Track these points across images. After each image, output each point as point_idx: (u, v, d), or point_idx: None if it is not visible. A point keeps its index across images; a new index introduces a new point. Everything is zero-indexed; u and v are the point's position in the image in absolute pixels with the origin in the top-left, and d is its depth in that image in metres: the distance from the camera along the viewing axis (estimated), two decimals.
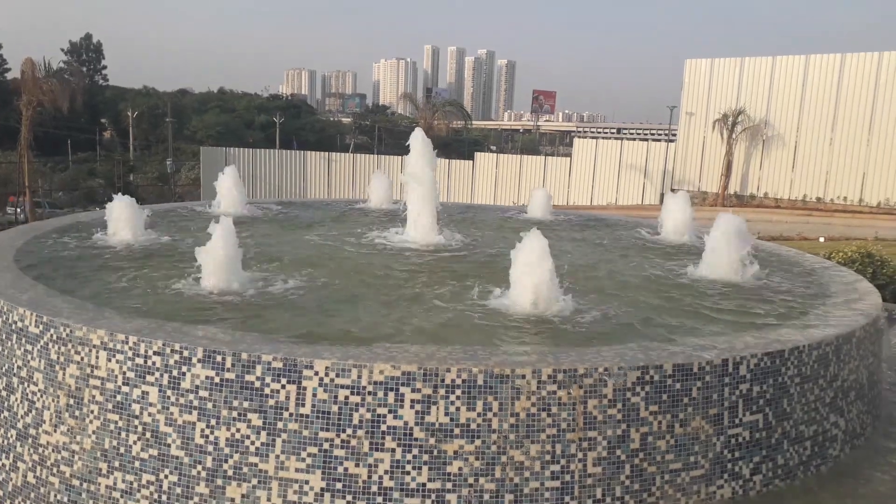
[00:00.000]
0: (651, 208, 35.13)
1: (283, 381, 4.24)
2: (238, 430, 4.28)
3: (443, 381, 4.21)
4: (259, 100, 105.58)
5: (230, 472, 4.28)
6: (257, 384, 4.26)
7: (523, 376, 4.27)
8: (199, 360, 4.33)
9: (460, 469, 4.22)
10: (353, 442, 4.20)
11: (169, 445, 4.38)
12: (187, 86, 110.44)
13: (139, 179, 63.54)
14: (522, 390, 4.27)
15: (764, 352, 4.84)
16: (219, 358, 4.30)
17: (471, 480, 4.22)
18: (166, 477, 4.38)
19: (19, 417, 4.90)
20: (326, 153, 52.01)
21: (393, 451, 4.20)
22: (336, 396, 4.21)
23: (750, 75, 40.53)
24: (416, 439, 4.20)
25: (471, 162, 50.00)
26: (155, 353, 4.41)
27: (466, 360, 4.29)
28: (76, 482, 4.60)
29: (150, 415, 4.43)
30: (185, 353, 4.35)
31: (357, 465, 4.20)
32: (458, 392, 4.22)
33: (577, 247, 9.17)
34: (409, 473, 4.19)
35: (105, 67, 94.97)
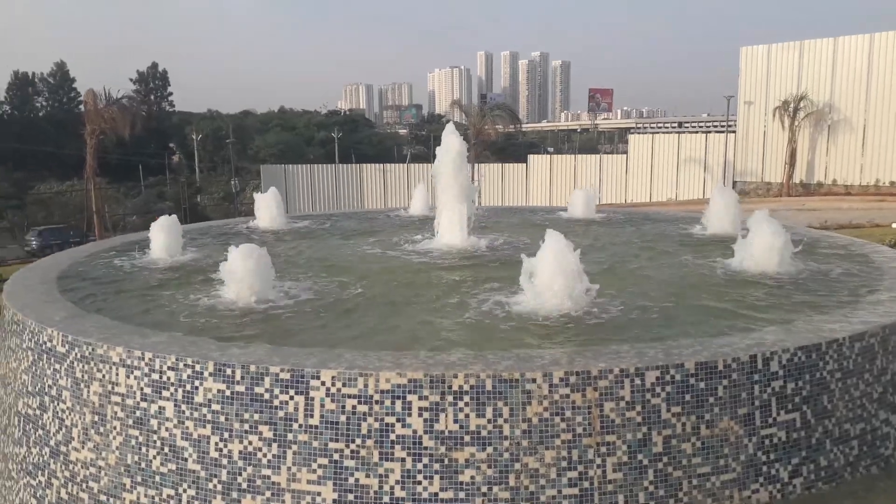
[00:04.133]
0: None
1: (292, 392, 4.22)
2: (250, 443, 4.29)
3: (450, 387, 4.11)
4: (318, 117, 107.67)
5: (244, 485, 4.29)
6: (266, 396, 4.26)
7: (534, 380, 4.13)
8: (210, 374, 4.36)
9: (472, 478, 4.10)
10: (363, 452, 4.15)
11: (186, 459, 4.42)
12: (251, 107, 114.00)
13: (206, 200, 65.72)
14: (534, 395, 4.13)
15: (798, 346, 4.56)
16: (228, 371, 4.32)
17: (484, 489, 4.10)
18: (185, 491, 4.42)
19: (51, 435, 5.04)
20: (382, 165, 52.58)
21: (403, 460, 4.12)
22: (344, 406, 4.16)
23: (810, 59, 38.87)
24: (425, 448, 4.11)
25: (524, 165, 49.68)
26: (169, 367, 4.47)
27: (474, 365, 4.18)
28: (103, 497, 4.69)
29: (167, 430, 4.48)
30: (197, 367, 4.39)
31: (368, 476, 4.14)
32: (467, 398, 4.11)
33: (615, 244, 8.92)
34: (420, 483, 4.11)
35: (171, 94, 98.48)
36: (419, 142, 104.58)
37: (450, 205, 8.60)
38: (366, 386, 4.15)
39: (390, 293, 6.47)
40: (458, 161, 8.56)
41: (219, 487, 4.34)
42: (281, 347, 4.59)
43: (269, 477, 4.25)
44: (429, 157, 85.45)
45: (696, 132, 57.80)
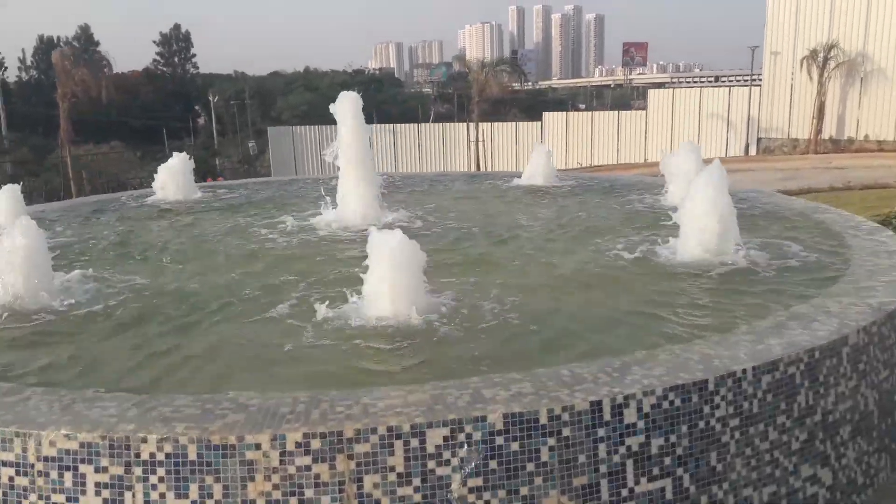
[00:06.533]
0: (734, 161, 31.76)
1: None
2: None
3: (138, 455, 2.88)
4: (342, 76, 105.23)
5: None
6: None
7: (258, 446, 2.87)
8: None
9: None
10: None
11: None
12: (280, 68, 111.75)
13: (224, 163, 65.14)
14: (258, 466, 2.88)
15: (669, 386, 3.22)
16: None
17: None
18: None
19: None
20: (392, 125, 50.78)
21: None
22: None
23: (843, 3, 35.86)
24: None
25: (539, 123, 47.48)
26: None
27: (174, 424, 2.93)
28: None
29: None
30: None
31: None
32: (162, 471, 2.88)
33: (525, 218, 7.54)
34: None
35: (194, 56, 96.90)
36: (446, 100, 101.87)
37: (347, 175, 7.30)
38: (25, 450, 2.94)
39: (212, 291, 5.23)
40: (355, 124, 7.23)
41: None
42: None
43: None
44: (453, 117, 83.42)
45: (734, 86, 54.83)
